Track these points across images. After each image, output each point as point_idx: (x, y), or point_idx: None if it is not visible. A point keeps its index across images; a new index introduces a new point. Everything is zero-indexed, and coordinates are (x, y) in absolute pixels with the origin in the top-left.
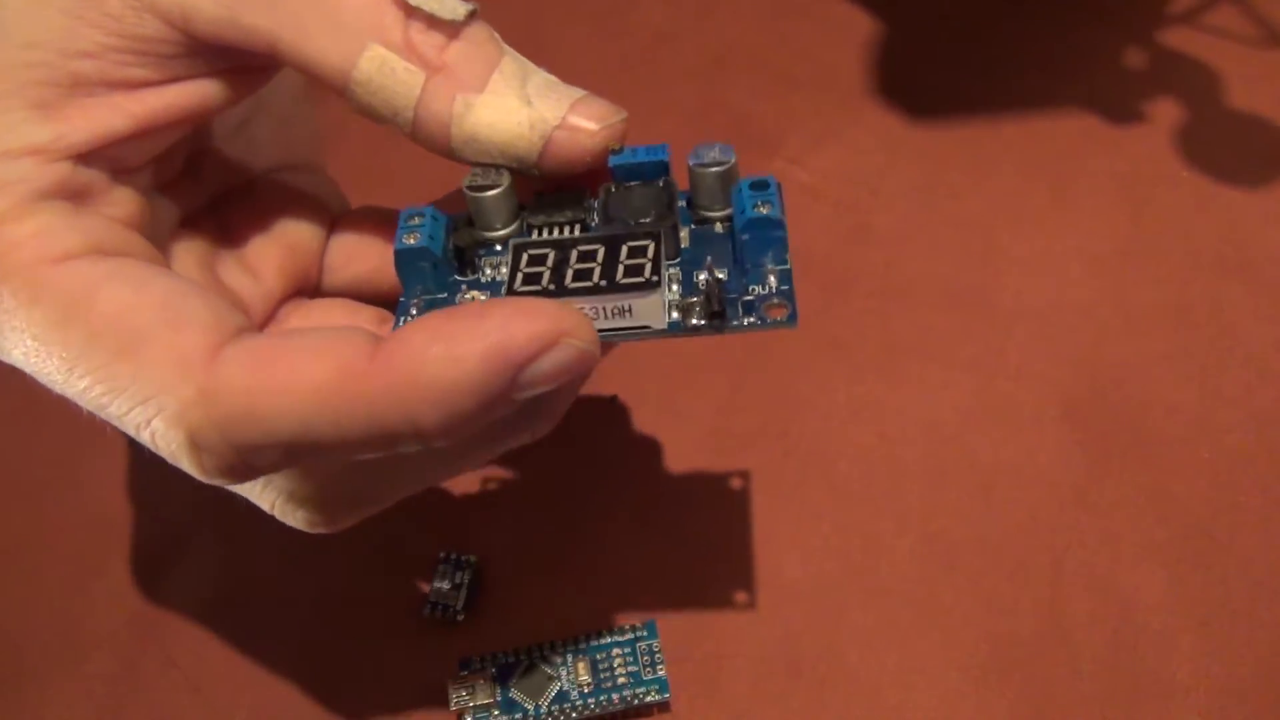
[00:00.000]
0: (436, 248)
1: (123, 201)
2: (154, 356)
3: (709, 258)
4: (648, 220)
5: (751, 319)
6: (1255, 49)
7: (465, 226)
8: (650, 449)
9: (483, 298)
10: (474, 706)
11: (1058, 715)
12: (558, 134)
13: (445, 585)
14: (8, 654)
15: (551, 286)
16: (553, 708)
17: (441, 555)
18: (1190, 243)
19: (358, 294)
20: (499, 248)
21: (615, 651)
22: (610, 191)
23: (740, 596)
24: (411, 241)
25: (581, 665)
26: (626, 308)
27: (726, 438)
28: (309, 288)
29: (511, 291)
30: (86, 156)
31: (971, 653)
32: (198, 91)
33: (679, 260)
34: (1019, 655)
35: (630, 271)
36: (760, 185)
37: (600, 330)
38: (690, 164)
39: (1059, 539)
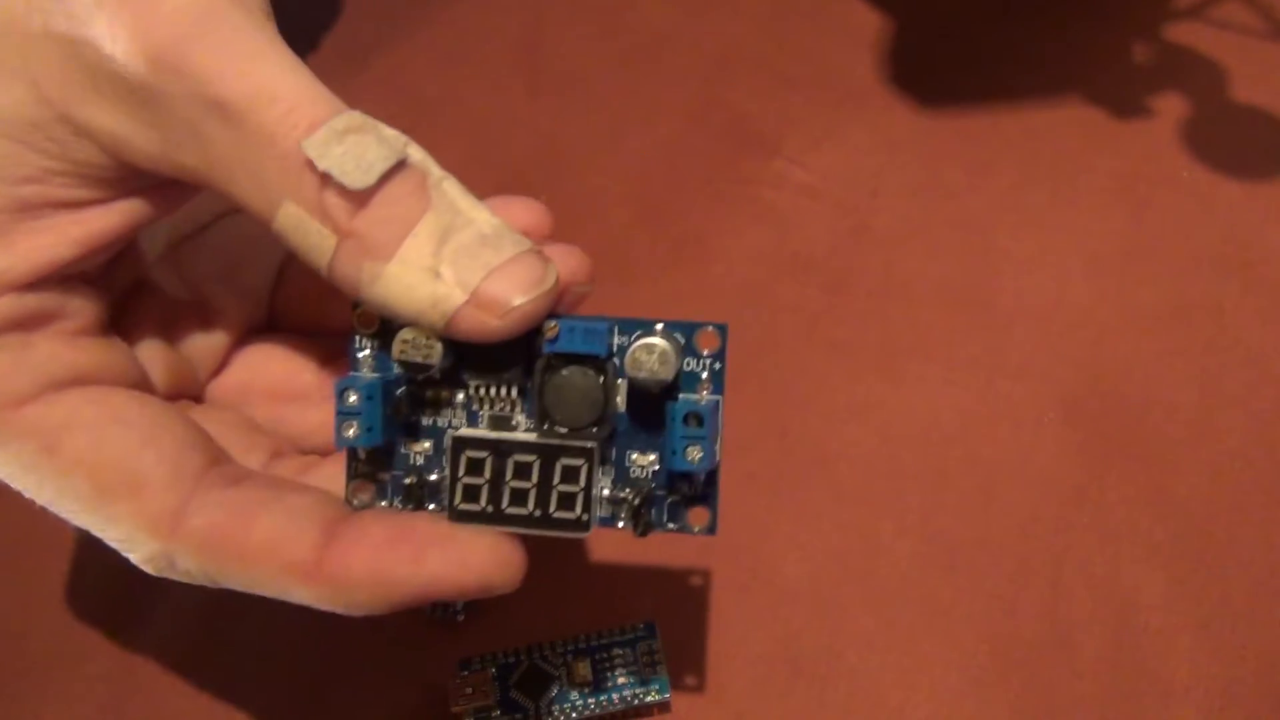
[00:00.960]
0: (376, 437)
1: (78, 312)
2: (120, 513)
3: (637, 442)
4: (581, 432)
5: (674, 525)
6: (1259, 43)
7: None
8: None
9: (426, 454)
10: (474, 707)
11: (1058, 715)
12: (463, 310)
13: None
14: (8, 654)
15: (489, 509)
16: (553, 708)
17: None
18: (1190, 243)
19: (309, 328)
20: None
21: (615, 651)
22: (547, 370)
23: (740, 597)
24: (351, 435)
25: (581, 665)
26: (559, 535)
27: (726, 438)
28: (262, 324)
29: (452, 508)
30: (34, 284)
31: (971, 653)
32: (140, 207)
33: (613, 437)
34: (1019, 655)
35: (563, 503)
36: (695, 418)
37: (531, 534)
38: (626, 369)
39: (1059, 539)
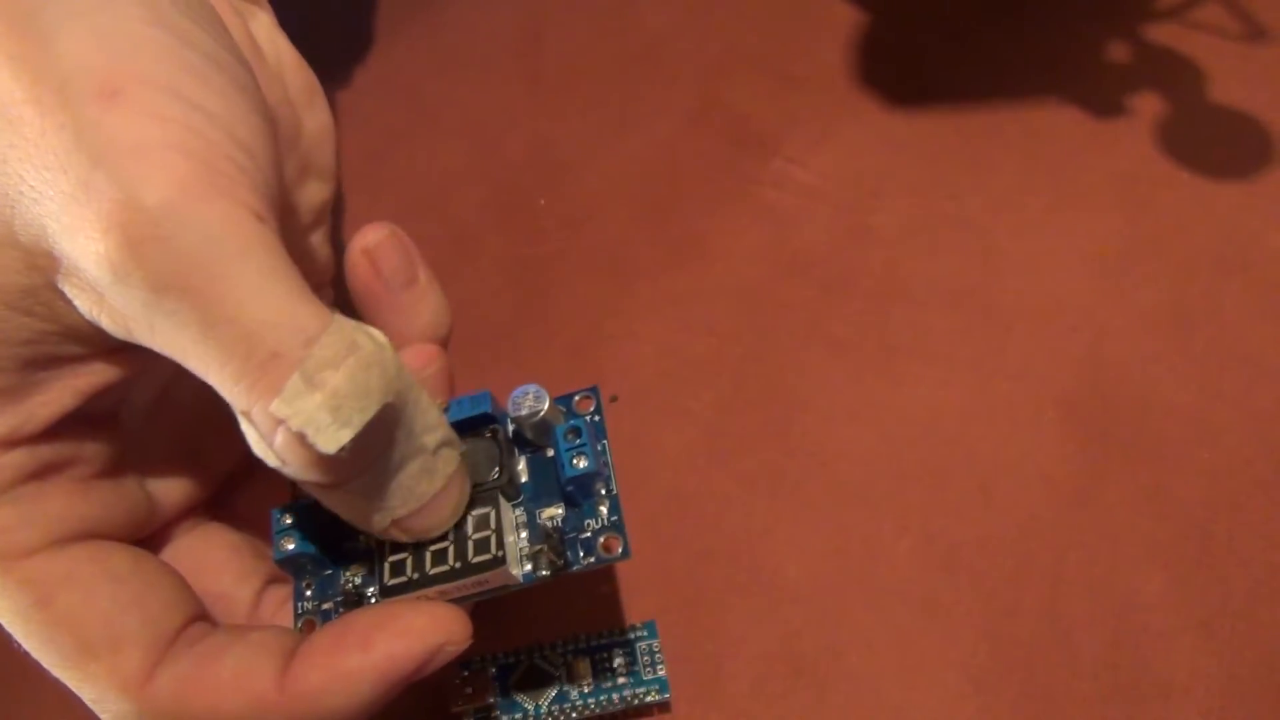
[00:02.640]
0: (311, 548)
1: (92, 456)
2: (98, 672)
3: (542, 500)
4: (483, 484)
5: (590, 559)
6: (1258, 44)
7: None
8: (650, 449)
9: (361, 571)
10: (474, 707)
11: (1058, 715)
12: (390, 531)
13: None
14: (8, 654)
15: (415, 575)
16: (552, 708)
17: None
18: (1190, 243)
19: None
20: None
21: (615, 651)
22: None
23: (740, 596)
24: (289, 547)
25: (581, 665)
26: (484, 580)
27: (726, 438)
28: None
29: (383, 585)
30: (46, 436)
31: (971, 653)
32: (136, 355)
33: (520, 500)
34: (1019, 655)
35: (479, 548)
36: (574, 432)
37: (464, 598)
38: (510, 415)
39: (1059, 539)
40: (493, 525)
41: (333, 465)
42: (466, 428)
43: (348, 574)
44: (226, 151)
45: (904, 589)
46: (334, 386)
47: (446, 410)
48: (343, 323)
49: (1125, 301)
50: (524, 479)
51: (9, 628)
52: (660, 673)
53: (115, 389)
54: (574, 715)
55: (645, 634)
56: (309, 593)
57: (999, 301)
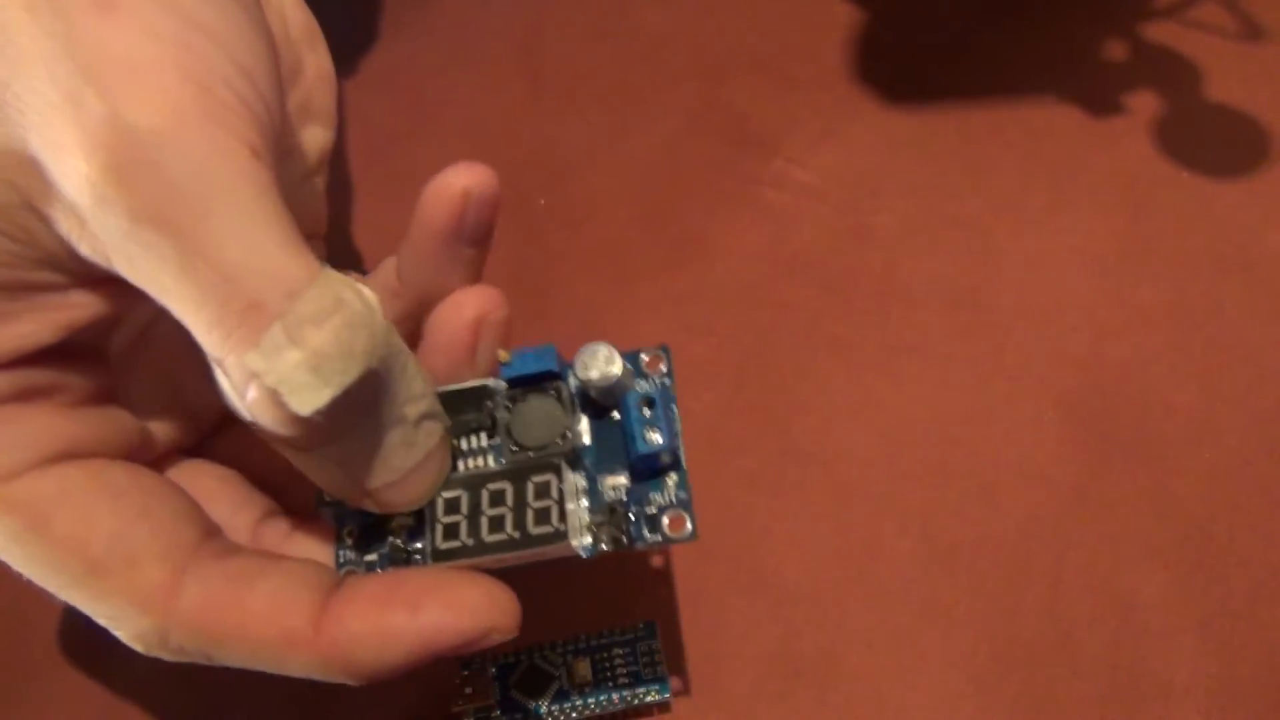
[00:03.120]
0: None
1: (76, 384)
2: (112, 589)
3: (605, 466)
4: (544, 449)
5: (656, 536)
6: (1257, 44)
7: None
8: None
9: (409, 526)
10: (474, 707)
11: (1058, 715)
12: (365, 504)
13: None
14: (8, 653)
15: (470, 542)
16: (553, 708)
17: None
18: (1190, 243)
19: None
20: None
21: (615, 651)
22: (507, 403)
23: (740, 597)
24: (328, 497)
25: (581, 665)
26: (542, 552)
27: (726, 438)
28: None
29: (435, 549)
30: (23, 361)
31: (971, 653)
32: (120, 289)
33: (583, 465)
34: (1019, 655)
35: (539, 518)
36: (647, 402)
37: (521, 566)
38: (578, 375)
39: (1059, 539)
40: (554, 494)
41: (306, 427)
42: (528, 383)
43: (394, 524)
44: (225, 75)
45: (904, 589)
46: (315, 345)
47: (508, 364)
48: (332, 277)
49: (1125, 301)
50: (586, 441)
51: (6, 558)
52: (660, 673)
53: (98, 324)
54: (574, 715)
55: (645, 634)
56: (350, 541)
57: (999, 301)
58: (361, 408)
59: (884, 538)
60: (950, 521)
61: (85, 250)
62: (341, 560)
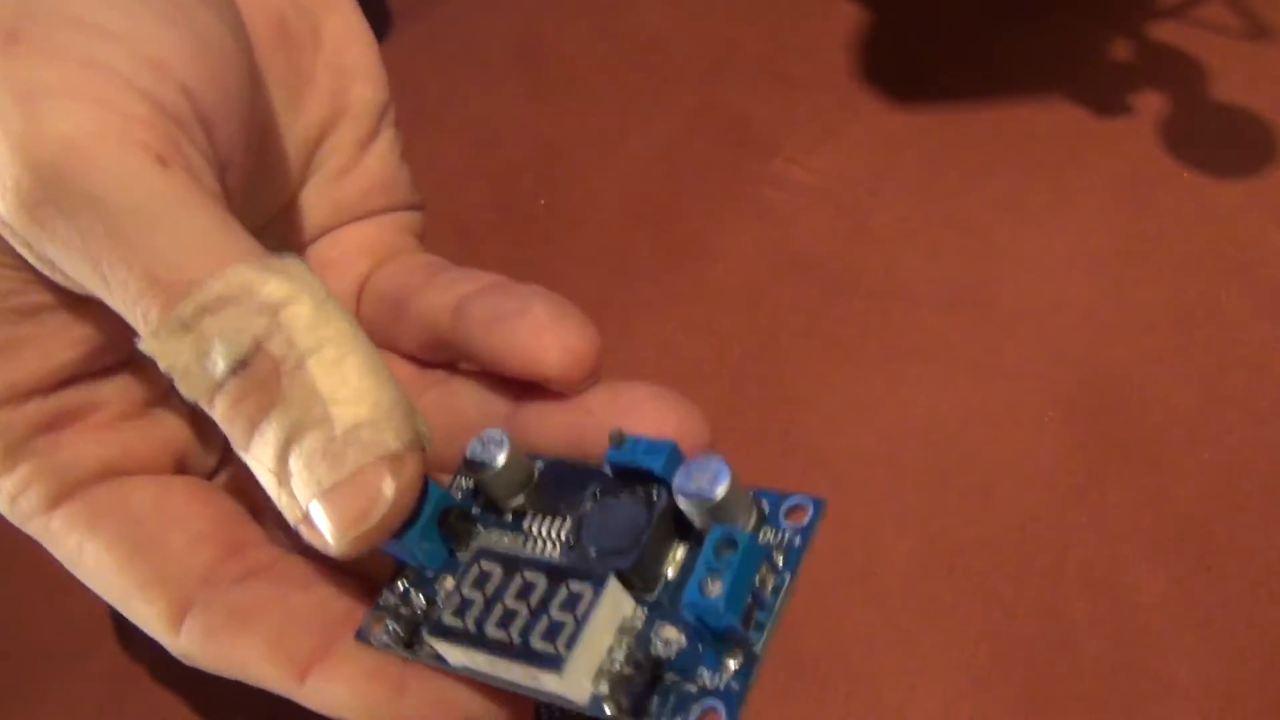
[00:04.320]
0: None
1: (112, 399)
2: (136, 615)
3: (665, 629)
4: (607, 555)
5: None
6: (1256, 44)
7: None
8: None
9: (444, 590)
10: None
11: (1058, 715)
12: (301, 529)
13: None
14: (8, 653)
15: (471, 629)
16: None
17: None
18: (1190, 242)
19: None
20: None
21: None
22: (598, 495)
23: None
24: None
25: None
26: (535, 675)
27: (726, 438)
28: None
29: (437, 621)
30: (53, 386)
31: (971, 653)
32: None
33: (645, 603)
34: (1019, 655)
35: (548, 633)
36: (729, 545)
37: (518, 688)
38: (676, 488)
39: (1059, 539)
40: (580, 611)
41: (216, 408)
42: (629, 477)
43: (442, 589)
44: (127, 80)
45: (904, 589)
46: (206, 331)
47: (620, 448)
48: (240, 270)
49: (1125, 301)
50: (670, 573)
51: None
52: None
53: (115, 333)
54: (574, 714)
55: None
56: (402, 587)
57: (999, 301)
58: (265, 399)
59: (884, 538)
60: (950, 521)
61: (37, 265)
62: (380, 603)
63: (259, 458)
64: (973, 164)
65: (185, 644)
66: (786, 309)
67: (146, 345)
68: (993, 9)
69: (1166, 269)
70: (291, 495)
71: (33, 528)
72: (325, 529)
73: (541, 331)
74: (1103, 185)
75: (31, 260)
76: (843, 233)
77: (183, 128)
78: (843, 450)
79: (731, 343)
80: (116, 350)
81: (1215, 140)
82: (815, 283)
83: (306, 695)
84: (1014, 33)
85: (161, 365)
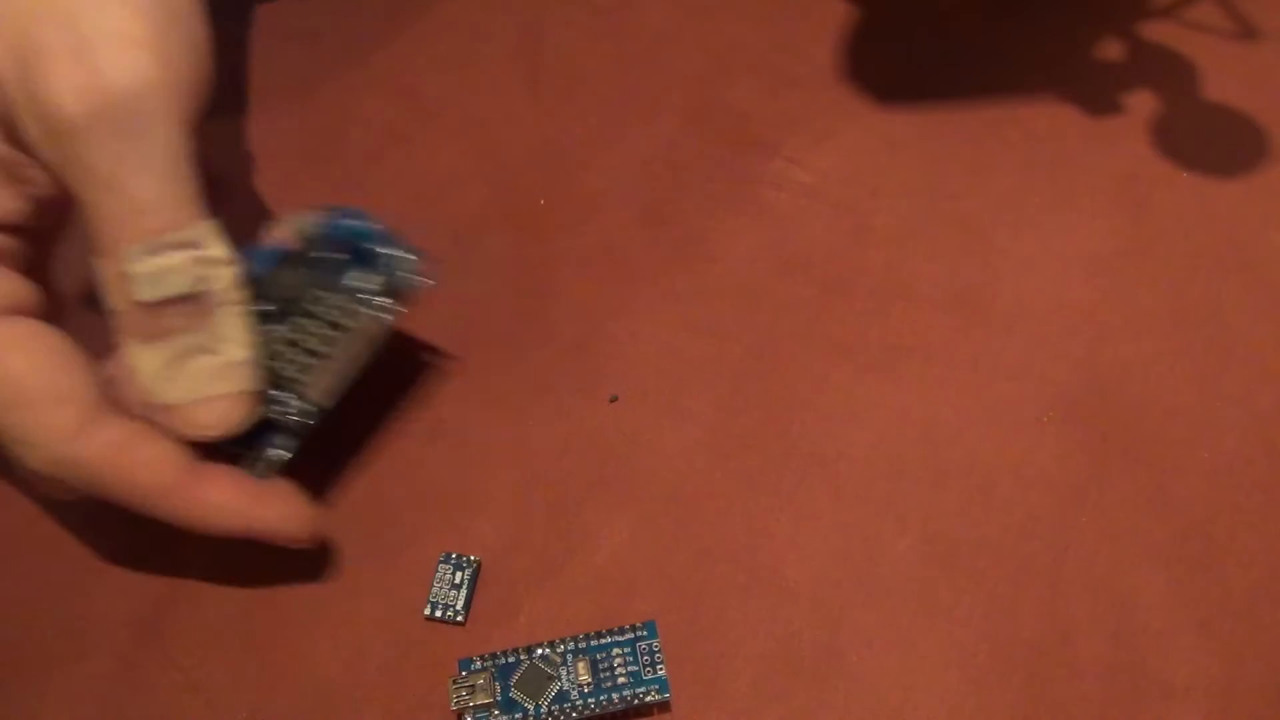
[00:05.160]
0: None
1: (19, 253)
2: (39, 421)
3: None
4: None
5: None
6: (1255, 44)
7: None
8: (650, 449)
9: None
10: (474, 706)
11: (1058, 715)
12: (158, 413)
13: (445, 585)
14: (8, 654)
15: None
16: (553, 708)
17: (442, 555)
18: (1190, 243)
19: None
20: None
21: (615, 651)
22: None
23: (740, 597)
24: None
25: (581, 665)
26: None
27: (726, 438)
28: None
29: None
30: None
31: (971, 653)
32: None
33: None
34: (1019, 655)
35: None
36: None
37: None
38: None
39: (1059, 539)
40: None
41: (144, 315)
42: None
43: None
44: (182, 50)
45: (904, 589)
46: (163, 263)
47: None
48: (204, 227)
49: (1125, 301)
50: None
51: None
52: (660, 673)
53: (52, 202)
54: (574, 715)
55: (645, 634)
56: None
57: (999, 302)
58: (183, 320)
59: (884, 538)
60: (950, 521)
61: (43, 153)
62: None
63: (144, 355)
64: (973, 164)
65: (84, 450)
66: (786, 309)
67: (124, 254)
68: (993, 9)
69: (1166, 269)
70: (174, 390)
71: None
72: (183, 421)
73: None
74: (1102, 185)
75: (26, 134)
76: (843, 233)
77: (197, 105)
78: (843, 450)
79: (731, 343)
80: (38, 214)
81: (1214, 141)
82: (815, 283)
83: (184, 493)
84: (1014, 33)
85: (125, 269)
